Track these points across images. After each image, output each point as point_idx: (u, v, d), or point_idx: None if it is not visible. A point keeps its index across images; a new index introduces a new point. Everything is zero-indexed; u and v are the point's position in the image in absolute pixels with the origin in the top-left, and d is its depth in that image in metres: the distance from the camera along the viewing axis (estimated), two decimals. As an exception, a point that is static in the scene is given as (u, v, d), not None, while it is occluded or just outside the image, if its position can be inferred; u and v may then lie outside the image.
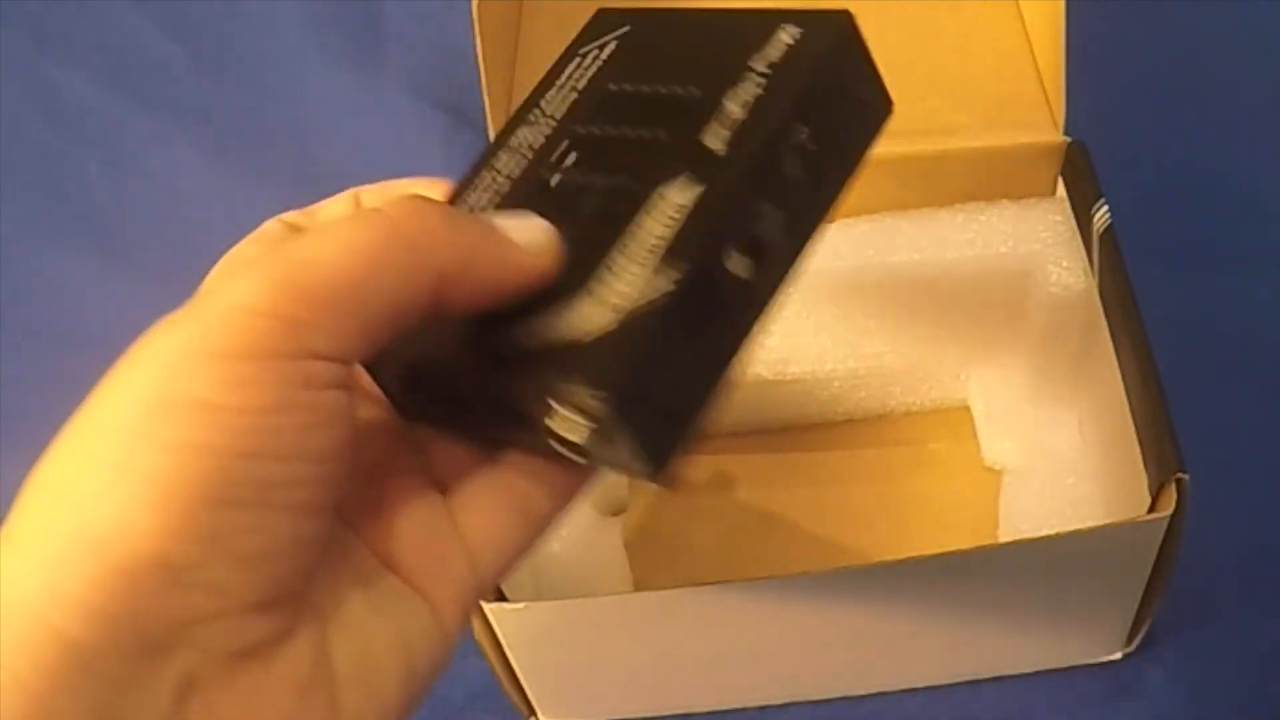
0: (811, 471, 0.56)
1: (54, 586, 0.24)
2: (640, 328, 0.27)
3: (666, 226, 0.28)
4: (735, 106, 0.29)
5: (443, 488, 0.29)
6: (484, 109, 0.52)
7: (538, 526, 0.30)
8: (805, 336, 0.53)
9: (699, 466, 0.57)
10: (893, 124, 0.56)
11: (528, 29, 0.57)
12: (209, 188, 0.69)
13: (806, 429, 0.57)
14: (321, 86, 0.72)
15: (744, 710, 0.51)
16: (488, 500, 0.29)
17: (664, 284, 0.27)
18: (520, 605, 0.43)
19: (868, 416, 0.57)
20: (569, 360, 0.27)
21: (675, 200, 0.28)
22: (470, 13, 0.50)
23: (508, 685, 0.48)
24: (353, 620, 0.27)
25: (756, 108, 0.29)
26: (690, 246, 0.27)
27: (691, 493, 0.56)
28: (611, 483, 0.54)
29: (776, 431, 0.57)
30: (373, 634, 0.27)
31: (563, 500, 0.30)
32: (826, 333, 0.53)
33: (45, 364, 0.63)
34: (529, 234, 0.28)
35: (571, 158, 0.31)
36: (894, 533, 0.54)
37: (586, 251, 0.28)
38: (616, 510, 0.54)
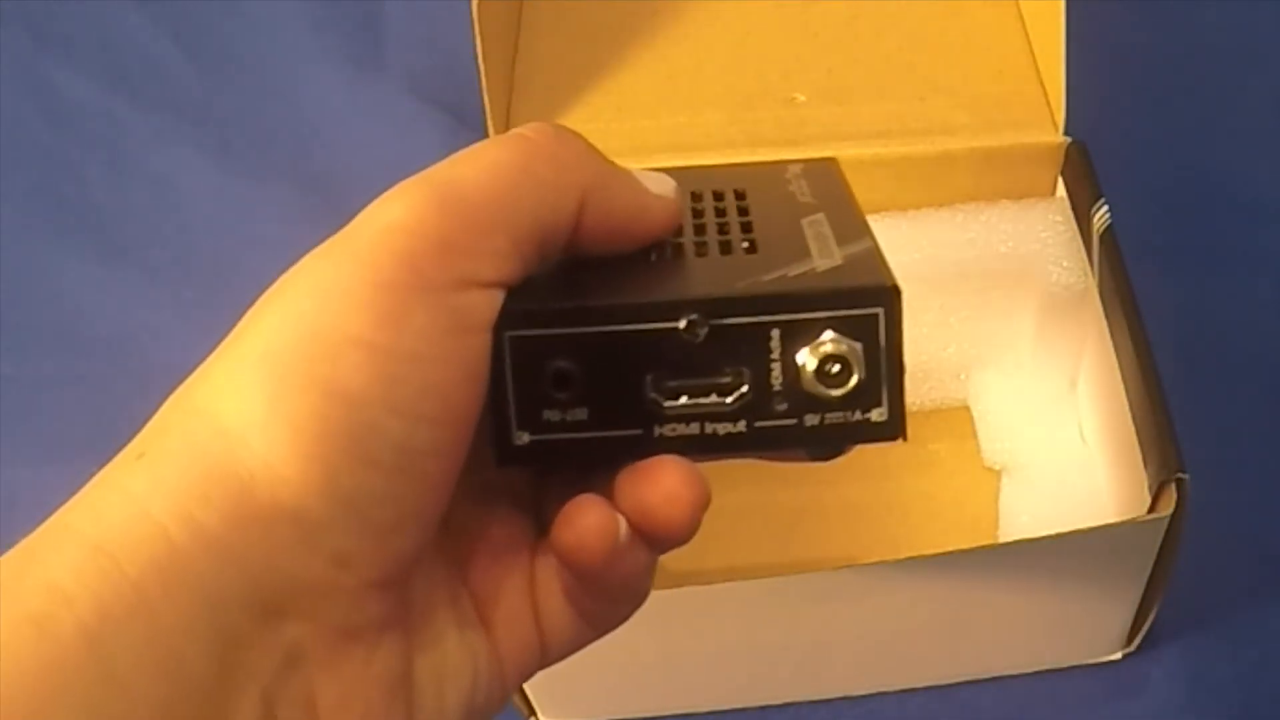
0: (812, 471, 0.56)
1: (189, 513, 0.23)
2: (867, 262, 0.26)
3: None
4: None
5: (534, 550, 0.29)
6: (484, 109, 0.52)
7: (599, 629, 0.29)
8: (805, 336, 0.53)
9: (698, 467, 0.57)
10: (893, 124, 0.56)
11: (528, 29, 0.57)
12: (209, 188, 0.69)
13: (806, 429, 0.57)
14: (321, 86, 0.72)
15: (744, 710, 0.51)
16: (557, 588, 0.28)
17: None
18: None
19: (868, 416, 0.57)
20: (821, 289, 0.26)
21: None
22: (470, 13, 0.50)
23: (508, 685, 0.48)
24: (438, 635, 0.27)
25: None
26: None
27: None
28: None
29: (776, 431, 0.57)
30: (451, 656, 0.27)
31: (627, 610, 0.29)
32: (826, 333, 0.53)
33: (45, 364, 0.63)
34: (660, 183, 0.28)
35: None
36: (894, 533, 0.54)
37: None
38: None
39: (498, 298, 0.25)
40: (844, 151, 0.51)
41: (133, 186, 0.70)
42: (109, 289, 0.66)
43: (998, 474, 0.54)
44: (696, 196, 0.31)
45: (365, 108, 0.71)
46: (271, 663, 0.24)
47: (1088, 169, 0.51)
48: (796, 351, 0.26)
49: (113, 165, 0.71)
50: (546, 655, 0.29)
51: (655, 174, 0.28)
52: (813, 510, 0.55)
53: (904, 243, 0.52)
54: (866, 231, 0.29)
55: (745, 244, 0.29)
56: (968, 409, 0.57)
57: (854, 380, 0.26)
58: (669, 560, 0.57)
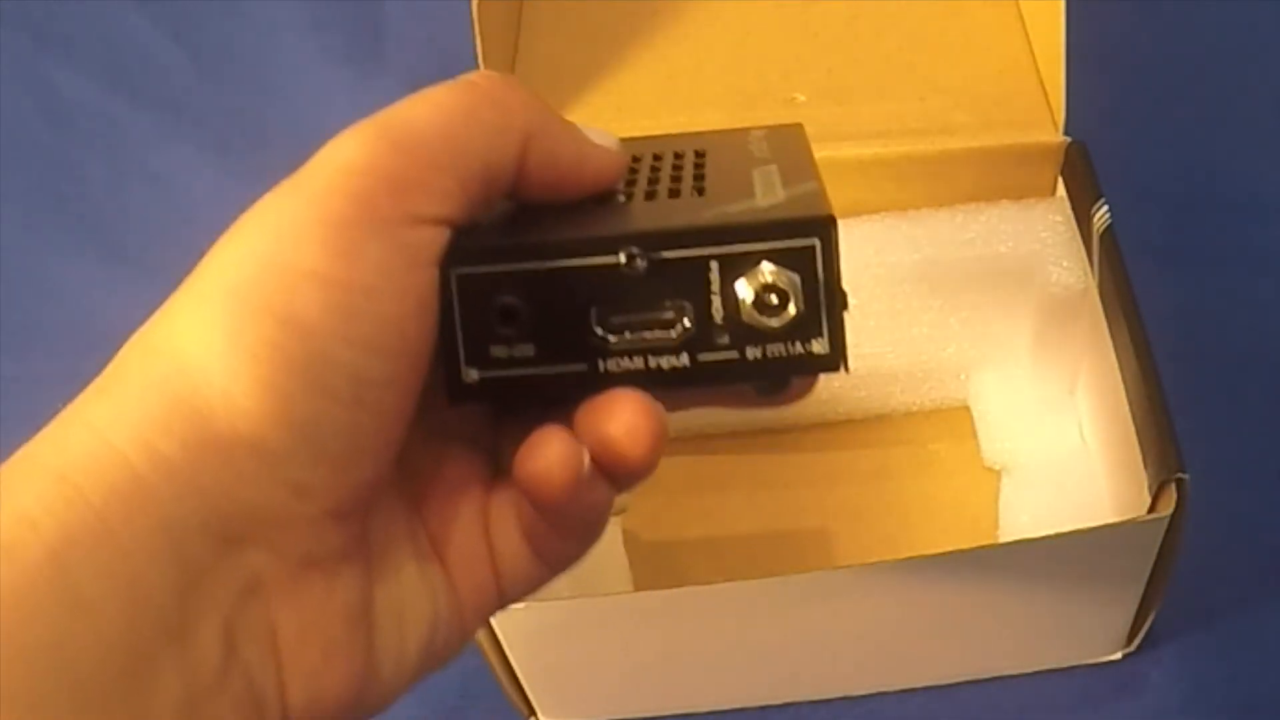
0: (811, 471, 0.56)
1: (150, 443, 0.24)
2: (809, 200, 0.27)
3: None
4: None
5: (489, 489, 0.29)
6: (484, 109, 0.52)
7: (554, 568, 0.30)
8: (805, 336, 0.53)
9: (699, 467, 0.57)
10: (893, 124, 0.56)
11: (528, 29, 0.57)
12: (209, 188, 0.69)
13: (806, 429, 0.57)
14: (321, 86, 0.72)
15: (744, 710, 0.51)
16: (513, 527, 0.29)
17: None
18: (520, 605, 0.43)
19: (868, 416, 0.57)
20: (758, 221, 0.27)
21: None
22: (470, 13, 0.50)
23: (508, 685, 0.48)
24: (398, 571, 0.28)
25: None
26: None
27: (691, 493, 0.56)
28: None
29: (776, 431, 0.57)
30: (410, 593, 0.28)
31: (583, 547, 0.30)
32: (826, 333, 0.53)
33: (45, 364, 0.63)
34: (602, 136, 0.29)
35: None
36: (894, 533, 0.54)
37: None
38: (616, 510, 0.54)
39: (446, 235, 0.26)
40: (844, 151, 0.51)
41: (133, 186, 0.70)
42: (109, 289, 0.66)
43: (998, 474, 0.54)
44: (658, 156, 0.32)
45: (365, 108, 0.71)
46: (232, 591, 0.24)
47: (1088, 169, 0.51)
48: (735, 284, 0.27)
49: (113, 165, 0.71)
50: (503, 595, 0.29)
51: (598, 129, 0.29)
52: (813, 510, 0.55)
53: (904, 243, 0.52)
54: (814, 177, 0.29)
55: (694, 190, 0.29)
56: (968, 409, 0.57)
57: (792, 311, 0.26)
58: (669, 561, 0.57)
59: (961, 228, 0.52)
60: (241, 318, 0.24)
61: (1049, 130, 0.52)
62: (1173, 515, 0.42)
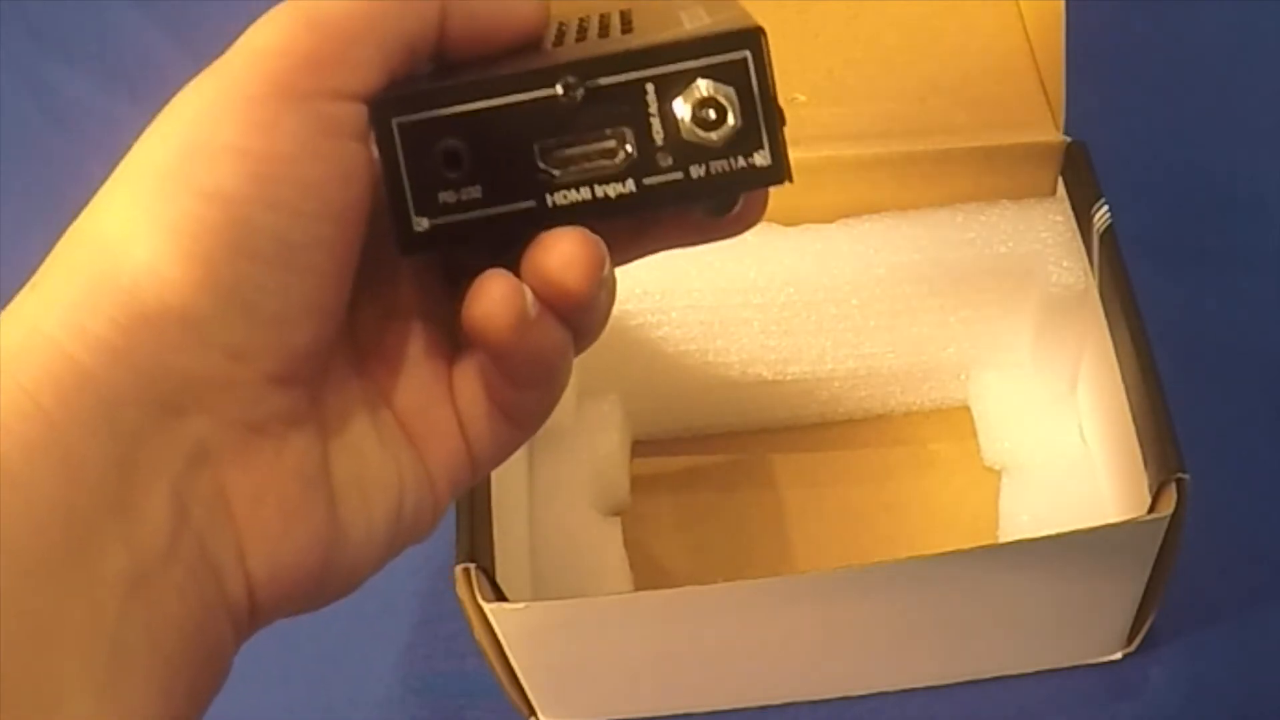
0: (811, 471, 0.56)
1: (80, 324, 0.24)
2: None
3: None
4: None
5: (450, 361, 0.30)
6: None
7: (524, 426, 0.30)
8: (805, 336, 0.53)
9: (699, 467, 0.57)
10: (893, 124, 0.56)
11: (528, 29, 0.57)
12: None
13: (806, 429, 0.57)
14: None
15: (744, 710, 0.51)
16: (478, 390, 0.30)
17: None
18: (520, 605, 0.43)
19: (868, 416, 0.57)
20: (688, 39, 0.27)
21: None
22: (470, 13, 0.50)
23: (508, 685, 0.48)
24: (356, 441, 0.28)
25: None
26: None
27: (691, 493, 0.56)
28: (611, 483, 0.54)
29: (776, 431, 0.57)
30: (371, 462, 0.28)
31: (547, 398, 0.30)
32: (826, 333, 0.53)
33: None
34: None
35: None
36: (894, 533, 0.54)
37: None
38: (616, 510, 0.54)
39: (366, 110, 0.27)
40: (844, 151, 0.51)
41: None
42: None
43: (998, 474, 0.54)
44: (585, 18, 0.32)
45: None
46: (176, 458, 0.25)
47: (1088, 169, 0.51)
48: (673, 103, 0.27)
49: (113, 165, 0.71)
50: (476, 463, 0.30)
51: None
52: (813, 510, 0.55)
53: (904, 243, 0.52)
54: (737, 6, 0.30)
55: (623, 31, 0.30)
56: (968, 409, 0.57)
57: (730, 123, 0.27)
58: (669, 561, 0.57)
59: (961, 228, 0.52)
60: (163, 195, 0.25)
61: (1049, 130, 0.52)
62: (1173, 515, 0.42)
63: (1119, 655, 0.51)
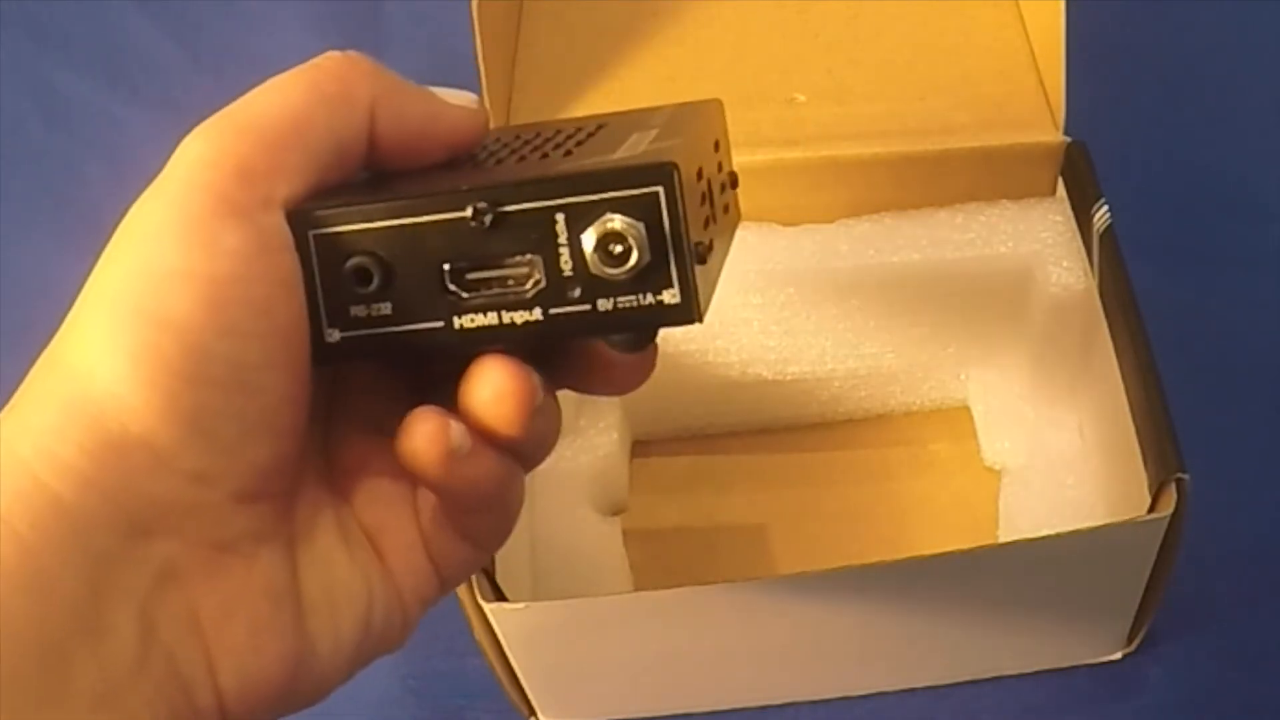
0: (812, 471, 0.56)
1: (50, 450, 0.25)
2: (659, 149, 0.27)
3: None
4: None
5: (415, 480, 0.30)
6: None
7: (485, 547, 0.31)
8: (805, 336, 0.53)
9: (699, 467, 0.57)
10: (893, 124, 0.56)
11: (528, 29, 0.57)
12: (209, 188, 0.69)
13: (806, 429, 0.57)
14: (321, 86, 0.72)
15: (744, 710, 0.51)
16: (438, 512, 0.30)
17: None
18: (520, 605, 0.43)
19: (868, 416, 0.57)
20: (600, 170, 0.27)
21: None
22: (470, 13, 0.50)
23: (508, 685, 0.48)
24: (325, 554, 0.28)
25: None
26: None
27: (691, 493, 0.56)
28: (611, 483, 0.54)
29: (776, 431, 0.57)
30: (340, 574, 0.28)
31: (502, 521, 0.30)
32: (826, 333, 0.53)
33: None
34: (457, 95, 0.30)
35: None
36: (894, 533, 0.54)
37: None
38: (616, 510, 0.54)
39: None
40: (844, 151, 0.51)
41: (133, 186, 0.70)
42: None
43: (998, 474, 0.54)
44: (559, 130, 0.32)
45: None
46: (145, 578, 0.25)
47: (1088, 169, 0.51)
48: (581, 235, 0.27)
49: (113, 165, 0.71)
50: (444, 580, 0.30)
51: (457, 91, 0.30)
52: (813, 510, 0.55)
53: (904, 243, 0.52)
54: (685, 135, 0.29)
55: (565, 153, 0.29)
56: (968, 409, 0.57)
57: (635, 260, 0.26)
58: (669, 561, 0.57)
59: (961, 228, 0.52)
60: (119, 324, 0.25)
61: (1049, 130, 0.52)
62: (1173, 515, 0.42)
63: (1119, 655, 0.51)
